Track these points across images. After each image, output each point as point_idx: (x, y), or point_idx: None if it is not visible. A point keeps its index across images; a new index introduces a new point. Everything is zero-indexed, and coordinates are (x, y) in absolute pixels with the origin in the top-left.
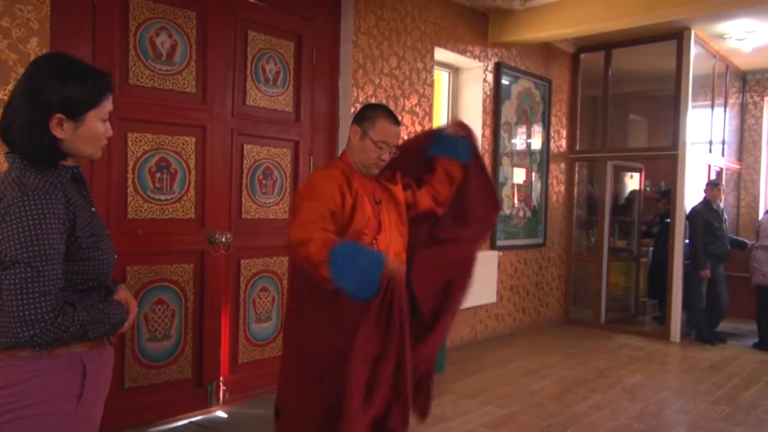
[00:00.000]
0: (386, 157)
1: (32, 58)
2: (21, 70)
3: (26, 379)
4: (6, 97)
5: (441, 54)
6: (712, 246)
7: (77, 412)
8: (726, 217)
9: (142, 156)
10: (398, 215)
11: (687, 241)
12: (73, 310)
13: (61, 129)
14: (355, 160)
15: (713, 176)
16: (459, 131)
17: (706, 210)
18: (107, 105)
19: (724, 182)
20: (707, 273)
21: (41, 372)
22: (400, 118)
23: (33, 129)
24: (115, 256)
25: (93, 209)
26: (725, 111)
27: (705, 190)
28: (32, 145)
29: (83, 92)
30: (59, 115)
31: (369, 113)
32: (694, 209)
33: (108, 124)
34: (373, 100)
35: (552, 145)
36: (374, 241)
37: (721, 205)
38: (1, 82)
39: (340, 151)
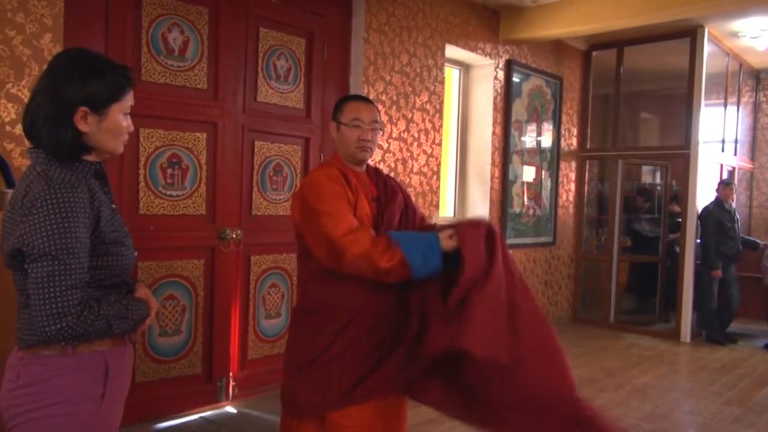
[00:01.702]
0: (369, 137)
1: (46, 54)
2: (35, 66)
3: (50, 378)
4: (20, 92)
5: (452, 51)
6: (723, 246)
7: (100, 411)
8: (738, 216)
9: (153, 152)
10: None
11: (699, 240)
12: (98, 305)
13: (86, 122)
14: (343, 155)
15: (725, 175)
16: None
17: (718, 210)
18: (129, 99)
19: (736, 182)
20: (719, 273)
21: (65, 370)
22: (410, 115)
23: (57, 122)
24: (136, 253)
25: (114, 206)
26: (738, 110)
27: (717, 190)
28: (57, 139)
29: (104, 88)
30: (84, 109)
31: (337, 104)
32: (705, 209)
33: (129, 119)
34: (383, 97)
35: (563, 144)
36: None
37: (733, 204)
38: (16, 77)
39: None
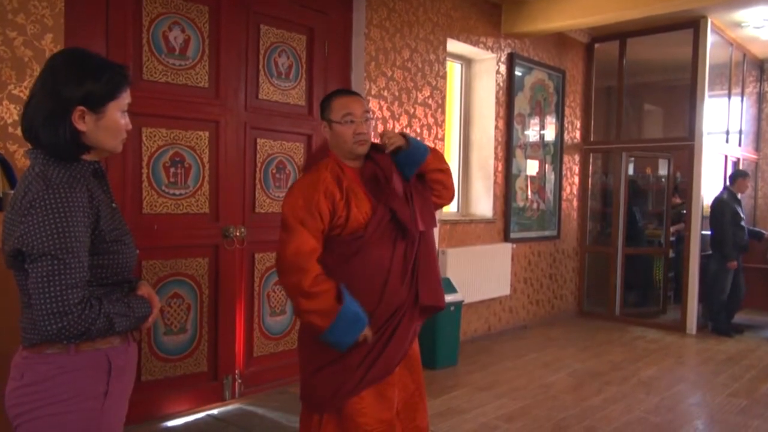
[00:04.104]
0: (364, 129)
1: (47, 54)
2: (36, 67)
3: (53, 376)
4: (22, 94)
5: (453, 45)
6: (736, 237)
7: (104, 409)
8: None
9: (156, 151)
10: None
11: (710, 232)
12: (99, 304)
13: (83, 122)
14: (339, 152)
15: (730, 167)
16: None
17: (733, 200)
18: (126, 97)
19: None
20: (735, 264)
21: (68, 369)
22: (412, 110)
23: (56, 122)
24: (137, 251)
25: (114, 205)
26: (742, 100)
27: (733, 180)
28: (55, 139)
29: (101, 86)
30: (81, 108)
31: (324, 104)
32: (719, 200)
33: (127, 117)
34: (385, 93)
35: (566, 137)
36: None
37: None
38: (18, 78)
39: None
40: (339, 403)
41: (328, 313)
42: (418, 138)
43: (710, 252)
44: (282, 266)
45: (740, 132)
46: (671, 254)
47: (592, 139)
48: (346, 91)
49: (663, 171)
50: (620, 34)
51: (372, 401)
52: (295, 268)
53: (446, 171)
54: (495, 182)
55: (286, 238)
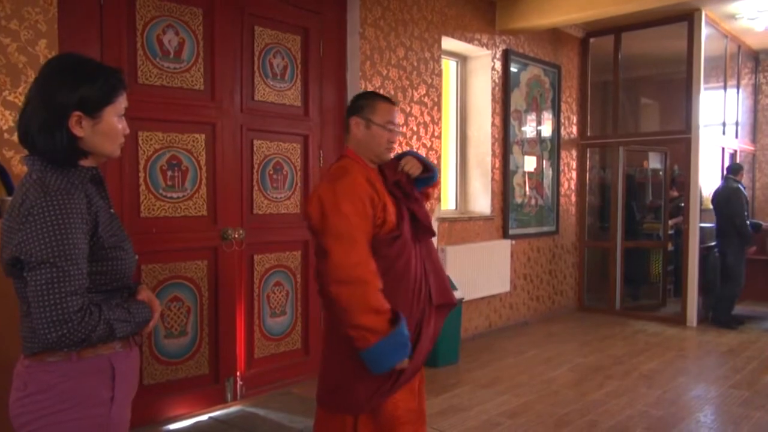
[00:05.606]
0: (395, 138)
1: (41, 60)
2: (31, 73)
3: (56, 384)
4: (17, 100)
5: (448, 43)
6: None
7: (111, 415)
8: None
9: (153, 154)
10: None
11: (714, 224)
12: (98, 310)
13: (80, 127)
14: (366, 153)
15: (728, 159)
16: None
17: (743, 189)
18: (122, 101)
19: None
20: (754, 249)
21: (71, 376)
22: (408, 109)
23: (52, 129)
24: (136, 257)
25: (112, 211)
26: (738, 92)
27: (737, 172)
28: (52, 146)
29: (97, 91)
30: (78, 113)
31: (364, 101)
32: (731, 187)
33: (124, 121)
34: (381, 92)
35: (563, 132)
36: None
37: None
38: (12, 84)
39: None
40: (378, 401)
41: (377, 332)
42: (414, 136)
43: (714, 243)
44: (342, 276)
45: (737, 124)
46: (670, 247)
47: (588, 134)
48: (390, 99)
49: (655, 164)
50: (615, 28)
51: (403, 394)
52: (360, 280)
53: (439, 182)
54: (493, 179)
55: (341, 248)
